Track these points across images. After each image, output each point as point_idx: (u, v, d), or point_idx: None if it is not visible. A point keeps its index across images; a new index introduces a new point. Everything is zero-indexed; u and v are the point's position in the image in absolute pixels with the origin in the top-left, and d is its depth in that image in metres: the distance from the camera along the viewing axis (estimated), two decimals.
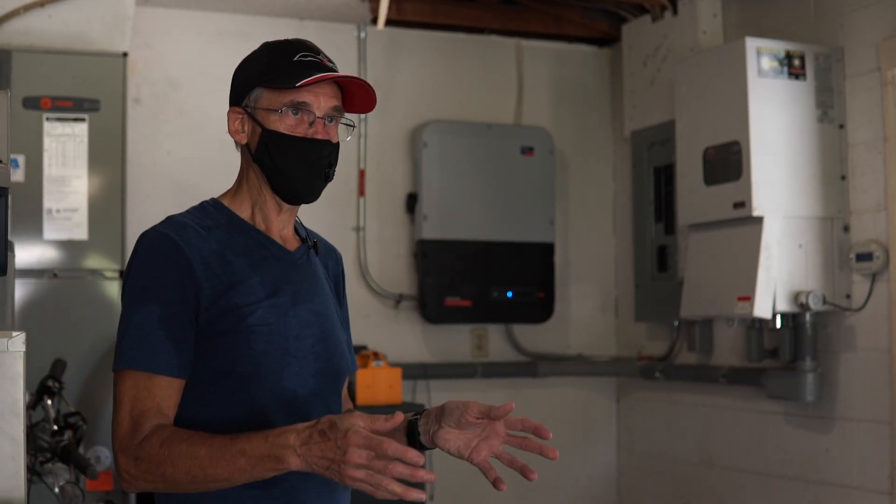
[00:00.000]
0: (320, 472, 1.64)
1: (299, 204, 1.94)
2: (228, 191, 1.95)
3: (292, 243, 1.95)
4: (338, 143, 1.91)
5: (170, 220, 1.86)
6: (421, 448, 2.02)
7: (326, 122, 1.88)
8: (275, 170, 1.87)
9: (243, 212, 1.92)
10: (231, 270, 1.83)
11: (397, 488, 1.68)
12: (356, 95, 1.93)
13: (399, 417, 1.67)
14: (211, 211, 1.90)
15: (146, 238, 1.83)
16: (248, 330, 1.80)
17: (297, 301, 1.87)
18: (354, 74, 1.92)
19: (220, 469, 1.67)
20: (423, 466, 1.68)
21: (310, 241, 1.99)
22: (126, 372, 1.76)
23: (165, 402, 1.76)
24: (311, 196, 1.91)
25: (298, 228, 2.00)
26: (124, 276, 1.85)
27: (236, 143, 1.93)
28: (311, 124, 1.87)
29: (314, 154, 1.87)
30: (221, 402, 1.80)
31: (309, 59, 1.88)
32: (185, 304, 1.78)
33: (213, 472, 1.67)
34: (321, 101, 1.87)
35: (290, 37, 1.97)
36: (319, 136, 1.87)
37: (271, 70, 1.87)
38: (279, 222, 1.93)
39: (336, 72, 1.89)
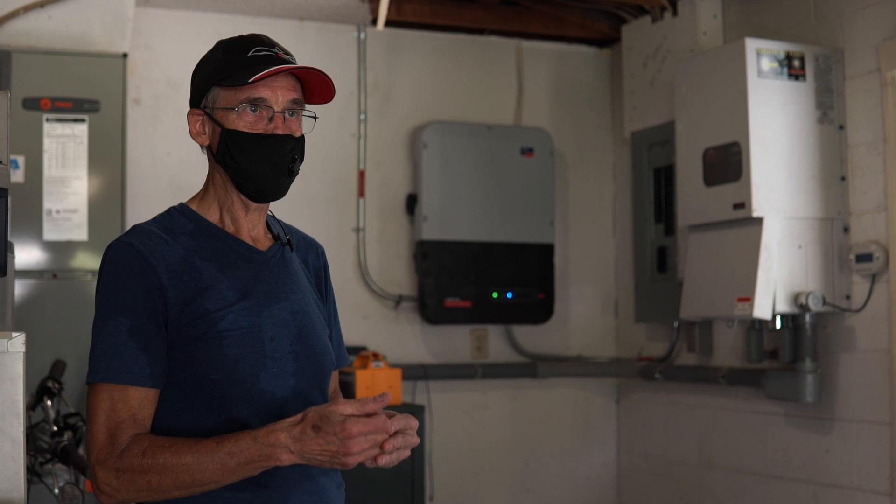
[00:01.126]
0: (318, 465, 1.66)
1: (266, 202, 1.91)
2: (196, 194, 1.93)
3: (264, 242, 1.92)
4: (302, 137, 1.87)
5: (134, 230, 1.84)
6: None
7: (287, 116, 1.84)
8: (237, 169, 1.84)
9: (211, 215, 1.89)
10: (199, 276, 1.80)
11: (391, 458, 1.68)
12: (314, 86, 1.89)
13: (388, 398, 1.67)
14: (177, 217, 1.88)
15: (111, 250, 1.81)
16: (218, 336, 1.77)
17: (270, 301, 1.85)
18: (310, 65, 1.86)
19: (209, 473, 1.67)
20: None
21: (283, 238, 1.95)
22: (99, 385, 1.75)
23: (141, 412, 1.75)
24: (277, 193, 1.88)
25: (272, 225, 1.97)
26: (96, 290, 1.83)
27: (200, 146, 1.90)
28: (271, 119, 1.83)
29: (276, 150, 1.84)
30: (196, 410, 1.78)
31: (263, 53, 1.83)
32: (154, 314, 1.77)
33: (202, 477, 1.68)
34: (279, 94, 1.83)
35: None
36: (280, 132, 1.83)
37: (226, 68, 1.83)
38: (248, 222, 1.90)
39: (293, 63, 1.85)
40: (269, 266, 1.90)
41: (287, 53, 1.87)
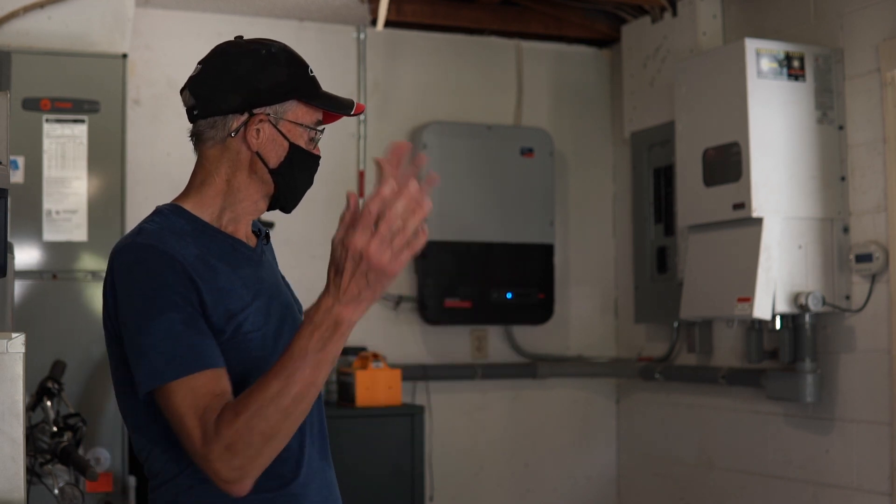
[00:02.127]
0: (370, 299, 1.60)
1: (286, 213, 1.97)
2: (187, 193, 1.87)
3: (252, 239, 1.92)
4: None
5: (144, 231, 1.78)
6: None
7: None
8: (290, 184, 1.86)
9: (206, 214, 1.84)
10: (217, 276, 1.77)
11: (421, 213, 1.59)
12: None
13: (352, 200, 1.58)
14: (172, 218, 1.82)
15: (130, 251, 1.74)
16: (245, 338, 1.76)
17: (272, 298, 1.85)
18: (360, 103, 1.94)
19: (300, 380, 1.60)
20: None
21: (262, 233, 1.96)
22: (172, 385, 1.66)
23: (220, 389, 1.68)
24: (295, 207, 1.95)
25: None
26: (117, 294, 1.74)
27: (214, 139, 1.84)
28: (315, 141, 1.89)
29: (315, 171, 1.91)
30: None
31: (314, 74, 1.89)
32: (195, 305, 1.72)
33: (298, 389, 1.60)
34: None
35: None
36: (318, 154, 1.91)
37: (305, 84, 1.85)
38: (246, 224, 1.90)
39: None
40: (263, 263, 1.91)
41: None
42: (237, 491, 1.64)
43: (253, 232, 1.94)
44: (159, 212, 1.84)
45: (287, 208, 1.92)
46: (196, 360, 1.67)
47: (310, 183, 1.91)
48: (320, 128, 1.88)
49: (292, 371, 1.60)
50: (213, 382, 1.67)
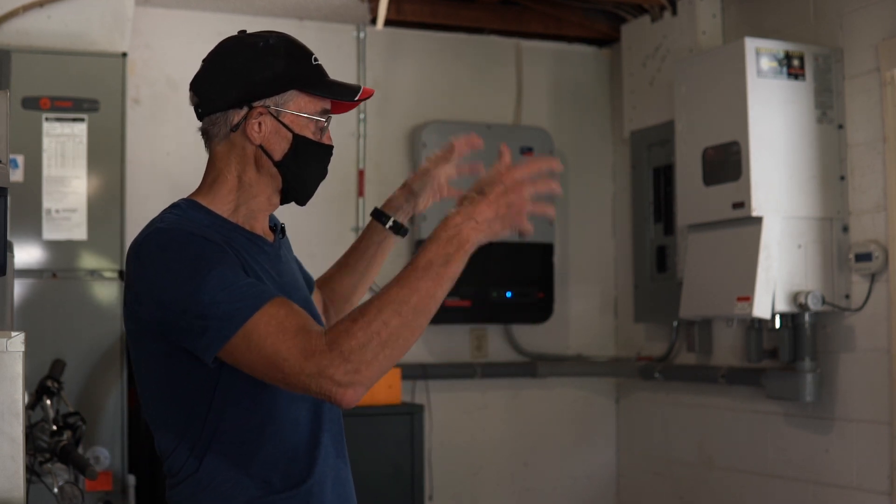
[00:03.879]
0: (497, 230, 1.68)
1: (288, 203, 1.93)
2: (201, 189, 1.87)
3: (269, 235, 1.92)
4: None
5: (164, 220, 1.77)
6: (398, 228, 2.15)
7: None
8: (298, 176, 1.85)
9: (222, 209, 1.84)
10: (246, 265, 1.76)
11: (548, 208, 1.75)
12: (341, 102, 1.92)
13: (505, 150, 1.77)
14: (189, 212, 1.81)
15: (154, 237, 1.72)
16: None
17: (291, 292, 1.84)
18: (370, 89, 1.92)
19: (423, 290, 1.63)
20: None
21: (278, 228, 1.96)
22: (248, 326, 1.62)
23: (301, 310, 1.66)
24: (309, 199, 1.92)
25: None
26: (147, 283, 1.70)
27: (219, 136, 1.84)
28: (324, 131, 1.87)
29: (328, 161, 1.90)
30: (249, 409, 1.76)
31: (319, 63, 1.86)
32: (236, 261, 1.71)
33: (419, 299, 1.62)
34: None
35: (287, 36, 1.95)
36: (330, 143, 1.89)
37: (305, 73, 1.82)
38: (262, 219, 1.89)
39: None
40: (280, 257, 1.91)
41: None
42: (348, 399, 1.61)
43: (269, 227, 1.94)
44: (176, 205, 1.83)
45: (300, 201, 1.91)
46: (264, 292, 1.66)
47: (322, 173, 1.90)
48: (325, 117, 1.85)
49: (414, 281, 1.63)
50: (291, 307, 1.66)
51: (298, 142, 1.82)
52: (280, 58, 1.82)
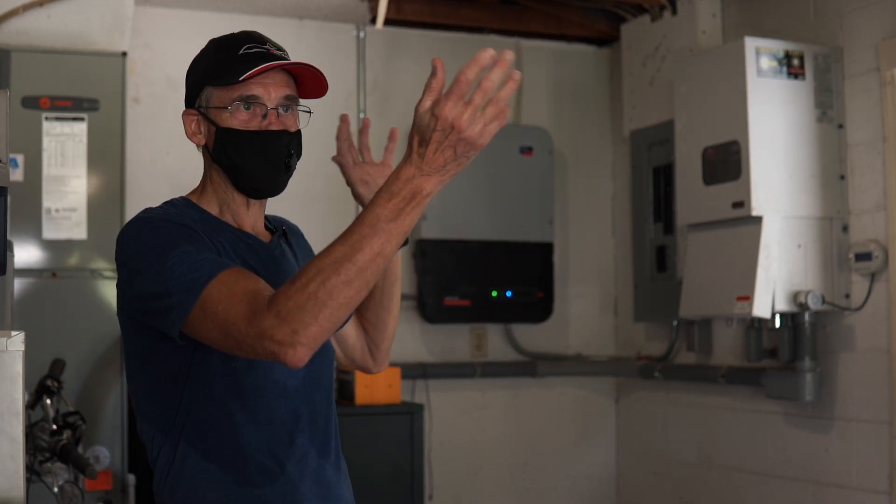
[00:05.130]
0: (454, 171, 1.55)
1: (264, 198, 1.91)
2: (193, 192, 1.92)
3: (265, 236, 1.93)
4: (298, 132, 1.87)
5: (147, 210, 1.83)
6: None
7: (281, 112, 1.84)
8: (234, 167, 1.84)
9: (212, 209, 1.89)
10: (229, 257, 1.80)
11: (511, 87, 1.59)
12: (307, 81, 1.88)
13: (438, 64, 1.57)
14: (183, 207, 1.87)
15: (134, 223, 1.78)
16: None
17: None
18: (301, 61, 1.85)
19: (368, 248, 1.54)
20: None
21: (279, 230, 1.97)
22: (203, 294, 1.63)
23: (257, 280, 1.65)
24: (274, 189, 1.88)
25: (266, 219, 1.99)
26: (129, 260, 1.75)
27: (196, 145, 1.90)
28: (265, 117, 1.83)
29: (271, 146, 1.84)
30: (220, 399, 1.78)
31: (255, 50, 1.83)
32: (208, 245, 1.74)
33: (363, 257, 1.53)
34: (271, 91, 1.83)
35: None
36: (274, 128, 1.83)
37: (218, 67, 1.83)
38: (250, 217, 1.90)
39: (284, 60, 1.84)
40: (275, 257, 1.91)
41: (280, 49, 1.86)
42: (293, 358, 1.55)
43: (268, 229, 1.96)
44: (170, 202, 1.89)
45: (255, 192, 1.87)
46: (221, 263, 1.67)
47: (265, 160, 1.83)
48: (242, 103, 1.81)
49: (359, 238, 1.54)
50: (245, 274, 1.65)
51: (220, 133, 1.84)
52: (206, 58, 1.87)
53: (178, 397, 1.79)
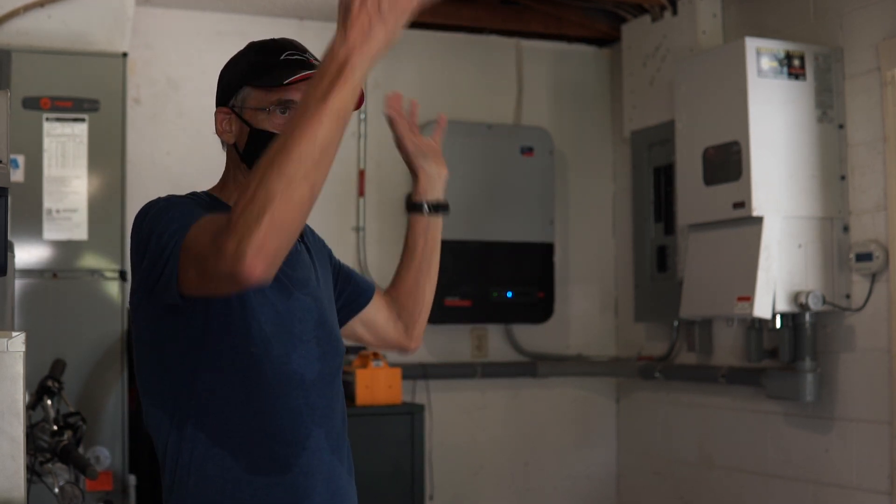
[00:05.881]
0: (382, 37, 1.50)
1: None
2: (214, 187, 1.95)
3: None
4: None
5: (170, 196, 1.85)
6: (437, 207, 2.24)
7: None
8: None
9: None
10: None
11: None
12: None
13: None
14: (205, 198, 1.90)
15: (152, 203, 1.79)
16: (253, 310, 1.78)
17: (296, 287, 1.88)
18: None
19: (303, 135, 1.45)
20: None
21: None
22: (187, 237, 1.63)
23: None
24: None
25: None
26: (139, 235, 1.75)
27: (223, 142, 1.94)
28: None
29: None
30: (233, 383, 1.78)
31: (295, 57, 1.89)
32: None
33: (302, 146, 1.45)
34: None
35: (288, 36, 1.97)
36: None
37: (259, 69, 1.87)
38: None
39: None
40: (290, 254, 1.91)
41: (317, 59, 1.89)
42: (244, 271, 1.46)
43: None
44: (192, 193, 1.91)
45: None
46: (202, 214, 1.69)
47: None
48: (280, 107, 1.85)
49: (293, 128, 1.46)
50: (219, 215, 1.61)
51: (254, 134, 1.87)
52: (246, 59, 1.91)
53: (188, 375, 1.78)
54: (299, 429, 1.82)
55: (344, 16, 1.50)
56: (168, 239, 1.68)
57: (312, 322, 1.88)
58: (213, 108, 1.93)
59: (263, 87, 1.86)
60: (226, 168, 1.96)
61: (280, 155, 1.46)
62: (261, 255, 1.46)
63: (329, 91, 1.46)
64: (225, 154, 1.96)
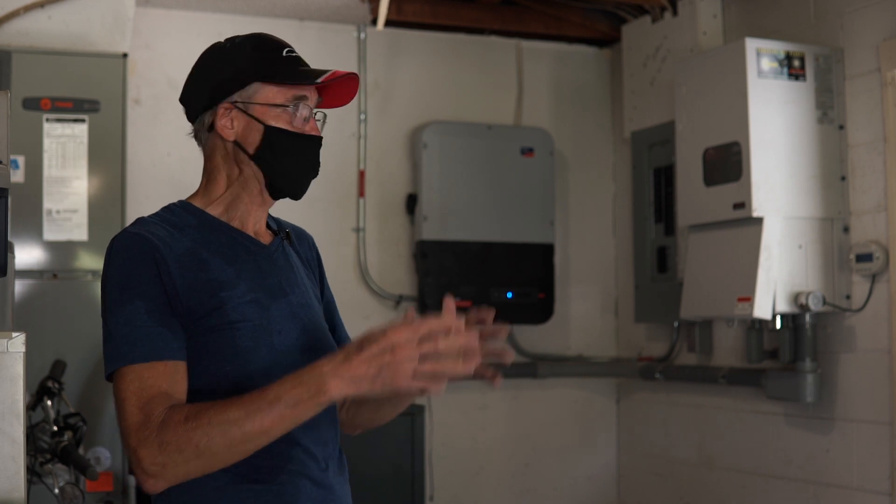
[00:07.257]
0: (367, 389, 1.60)
1: (294, 199, 1.92)
2: (198, 190, 1.92)
3: (266, 237, 1.92)
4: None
5: (140, 221, 1.83)
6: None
7: (315, 118, 1.88)
8: (277, 168, 1.84)
9: (215, 209, 1.88)
10: (207, 268, 1.79)
11: (461, 367, 1.64)
12: (331, 93, 1.91)
13: (411, 312, 1.67)
14: (179, 212, 1.87)
15: (118, 240, 1.79)
16: (231, 327, 1.76)
17: (276, 295, 1.85)
18: (355, 72, 1.92)
19: (258, 422, 1.62)
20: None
21: (282, 232, 1.96)
22: (125, 369, 1.69)
23: (173, 386, 1.70)
24: (303, 192, 1.90)
25: (269, 221, 1.97)
26: (102, 282, 1.79)
27: (203, 140, 1.89)
28: (306, 120, 1.85)
29: (312, 151, 1.87)
30: (217, 395, 1.74)
31: (294, 54, 1.87)
32: (166, 297, 1.74)
33: (252, 428, 1.62)
34: (313, 97, 1.87)
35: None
36: (314, 133, 1.87)
37: (269, 64, 1.83)
38: (255, 217, 1.90)
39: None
40: (274, 259, 1.90)
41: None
42: (149, 486, 1.65)
43: (273, 230, 1.95)
44: (167, 207, 1.89)
45: (290, 194, 1.89)
46: (150, 351, 1.70)
47: (307, 164, 1.87)
48: (297, 104, 1.84)
49: (255, 410, 1.62)
50: (163, 377, 1.70)
51: (270, 132, 1.83)
52: (244, 54, 1.85)
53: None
54: (284, 437, 1.76)
55: (357, 347, 1.61)
56: (111, 342, 1.72)
57: (296, 331, 1.84)
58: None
59: (278, 83, 1.83)
60: (211, 167, 1.90)
61: (234, 426, 1.61)
62: (169, 484, 1.65)
63: (300, 404, 1.62)
64: (203, 153, 1.91)
